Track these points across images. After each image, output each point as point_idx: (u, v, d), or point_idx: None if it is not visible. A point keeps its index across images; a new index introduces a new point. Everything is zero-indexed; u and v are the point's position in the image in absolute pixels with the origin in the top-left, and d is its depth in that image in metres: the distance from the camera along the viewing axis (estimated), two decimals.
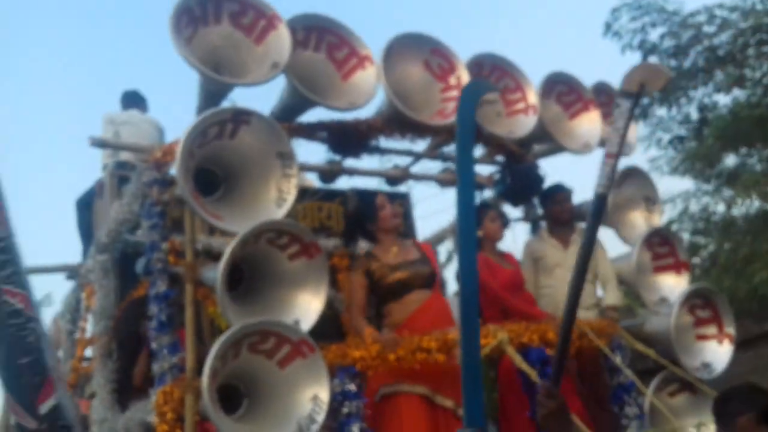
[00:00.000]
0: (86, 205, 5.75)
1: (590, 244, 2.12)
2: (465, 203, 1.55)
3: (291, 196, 3.51)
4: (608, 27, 10.02)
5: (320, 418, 3.28)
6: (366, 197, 5.80)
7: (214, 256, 4.58)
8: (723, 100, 10.87)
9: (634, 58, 10.25)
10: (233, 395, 3.46)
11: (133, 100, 6.14)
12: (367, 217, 4.24)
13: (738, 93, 10.36)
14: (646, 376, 4.59)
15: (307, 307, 3.52)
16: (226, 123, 3.45)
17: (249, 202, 3.53)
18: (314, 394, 3.31)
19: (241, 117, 3.46)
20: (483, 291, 4.23)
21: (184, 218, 3.84)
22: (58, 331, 5.64)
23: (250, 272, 3.63)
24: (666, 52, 10.19)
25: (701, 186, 11.66)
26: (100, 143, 4.55)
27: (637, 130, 8.60)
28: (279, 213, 3.47)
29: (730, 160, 12.22)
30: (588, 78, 5.12)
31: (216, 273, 3.48)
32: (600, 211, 2.11)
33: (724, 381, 4.41)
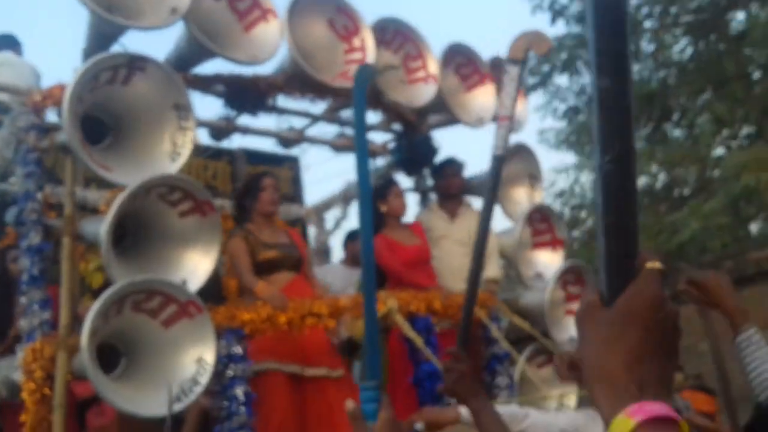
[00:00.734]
0: None
1: (490, 205, 2.19)
2: (363, 191, 1.56)
3: (186, 151, 3.37)
4: None
5: (204, 379, 3.21)
6: (254, 158, 5.71)
7: (89, 209, 4.36)
8: None
9: (544, 19, 10.48)
10: (110, 354, 3.33)
11: (7, 42, 5.67)
12: (248, 195, 4.20)
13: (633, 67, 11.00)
14: (514, 348, 4.82)
15: (196, 266, 3.42)
16: (120, 68, 3.25)
17: (140, 154, 3.36)
18: (199, 356, 3.23)
19: (137, 63, 3.27)
20: (386, 271, 4.43)
21: (59, 168, 3.63)
22: None
23: (136, 228, 3.46)
24: (573, 17, 10.44)
25: (585, 161, 12.23)
26: None
27: (529, 102, 8.91)
28: (173, 167, 3.33)
29: None
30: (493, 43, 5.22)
31: (98, 227, 3.32)
32: (498, 173, 2.17)
33: None
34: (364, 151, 1.60)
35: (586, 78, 11.57)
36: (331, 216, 6.19)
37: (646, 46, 11.30)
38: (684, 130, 12.02)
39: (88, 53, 3.72)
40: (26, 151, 3.75)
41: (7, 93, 4.50)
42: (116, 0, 3.64)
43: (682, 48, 11.54)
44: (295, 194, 6.27)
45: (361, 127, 1.69)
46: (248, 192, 4.20)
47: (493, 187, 2.23)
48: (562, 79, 12.27)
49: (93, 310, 2.99)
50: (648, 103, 10.47)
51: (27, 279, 3.59)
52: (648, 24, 11.04)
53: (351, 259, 5.49)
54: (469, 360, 1.99)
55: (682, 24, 11.08)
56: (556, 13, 10.85)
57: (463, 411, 2.32)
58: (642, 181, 10.65)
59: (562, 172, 13.04)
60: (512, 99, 2.17)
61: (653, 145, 11.46)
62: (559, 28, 11.35)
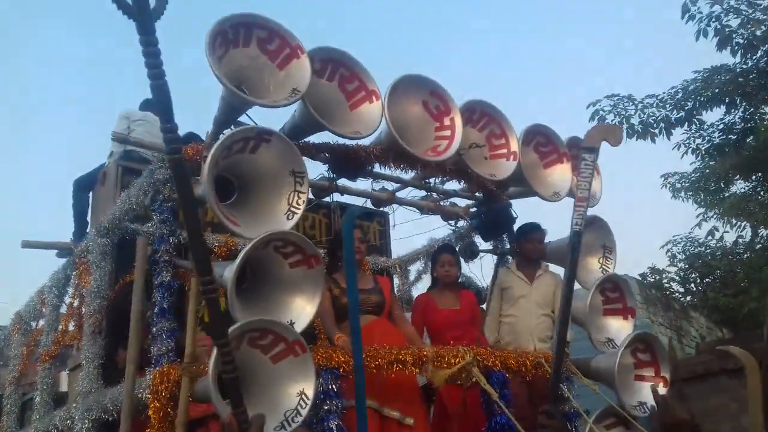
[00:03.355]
0: (85, 188, 6.05)
1: (573, 274, 2.51)
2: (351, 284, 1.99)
3: (300, 211, 3.88)
4: (686, 10, 10.12)
5: (305, 412, 3.61)
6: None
7: (208, 251, 4.99)
8: None
9: (708, 46, 10.06)
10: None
11: (150, 104, 6.48)
12: (338, 245, 4.74)
13: None
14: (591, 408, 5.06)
15: (302, 310, 3.89)
16: (250, 140, 3.81)
17: (262, 211, 3.86)
18: (301, 390, 3.63)
19: (264, 136, 3.83)
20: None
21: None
22: (42, 303, 5.92)
23: (254, 274, 3.97)
24: (741, 45, 9.86)
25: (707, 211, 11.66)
26: (121, 139, 4.86)
27: (670, 139, 8.71)
28: (288, 224, 3.83)
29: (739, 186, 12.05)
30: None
31: (223, 270, 3.86)
32: (577, 245, 2.52)
33: None
34: (351, 264, 1.99)
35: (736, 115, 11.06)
36: (414, 269, 6.75)
37: None
38: None
39: (219, 121, 4.30)
40: (162, 200, 4.38)
41: (147, 149, 5.21)
42: (246, 79, 4.26)
43: None
44: (383, 246, 6.87)
45: (350, 252, 2.08)
46: (338, 242, 4.73)
47: (573, 257, 2.50)
48: (709, 116, 11.70)
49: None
50: None
51: (157, 311, 4.14)
52: None
53: None
54: (561, 416, 2.24)
55: None
56: (724, 40, 10.21)
57: None
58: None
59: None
60: (588, 182, 2.52)
61: None
62: (726, 57, 10.68)
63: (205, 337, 4.30)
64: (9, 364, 6.65)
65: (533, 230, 5.48)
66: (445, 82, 4.91)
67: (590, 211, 5.50)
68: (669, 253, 14.88)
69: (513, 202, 5.92)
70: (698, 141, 12.10)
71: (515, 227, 5.83)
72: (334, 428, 3.79)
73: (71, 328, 5.41)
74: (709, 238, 13.30)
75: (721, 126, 11.86)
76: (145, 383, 3.91)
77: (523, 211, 5.95)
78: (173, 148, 1.59)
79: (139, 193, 4.61)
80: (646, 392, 5.15)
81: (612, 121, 11.49)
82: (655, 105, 11.60)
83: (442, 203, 5.92)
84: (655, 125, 11.54)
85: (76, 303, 5.41)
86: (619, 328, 5.34)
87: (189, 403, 3.89)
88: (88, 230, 5.67)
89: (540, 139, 5.46)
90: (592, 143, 2.60)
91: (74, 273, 5.52)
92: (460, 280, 6.16)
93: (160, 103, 1.62)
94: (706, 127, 11.93)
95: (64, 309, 5.76)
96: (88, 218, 6.13)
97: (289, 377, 3.67)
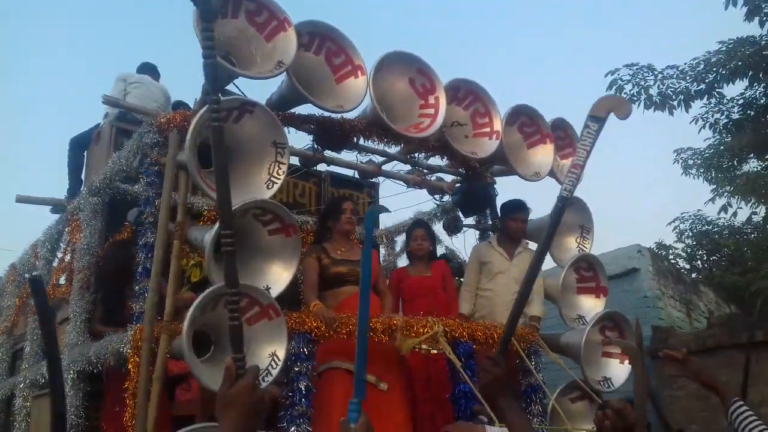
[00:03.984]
0: (80, 146, 6.19)
1: (551, 237, 2.43)
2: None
3: (280, 181, 4.02)
4: None
5: (275, 372, 3.79)
6: (338, 181, 6.45)
7: (192, 213, 5.14)
8: None
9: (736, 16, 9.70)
10: (202, 341, 3.94)
11: (147, 68, 6.60)
12: (330, 215, 4.87)
13: None
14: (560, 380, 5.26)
15: (278, 277, 4.05)
16: (234, 110, 3.91)
17: (242, 180, 3.96)
18: (273, 351, 3.81)
19: (247, 107, 3.93)
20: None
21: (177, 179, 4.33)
22: (35, 257, 6.10)
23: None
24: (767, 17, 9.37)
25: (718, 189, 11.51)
26: (112, 102, 4.98)
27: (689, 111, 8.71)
28: (268, 194, 3.96)
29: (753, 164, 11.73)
30: None
31: (203, 235, 4.03)
32: (561, 211, 2.41)
33: None
34: (368, 257, 2.16)
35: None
36: (400, 240, 6.95)
37: None
38: None
39: (206, 90, 4.41)
40: (150, 163, 4.51)
41: (137, 113, 5.33)
42: (234, 50, 4.37)
43: None
44: None
45: (369, 242, 2.22)
46: (330, 213, 4.89)
47: (554, 223, 2.41)
48: (730, 90, 11.24)
49: (194, 304, 3.66)
50: None
51: (141, 271, 4.27)
52: None
53: None
54: (505, 366, 2.14)
55: None
56: (754, 9, 9.86)
57: (490, 429, 2.56)
58: None
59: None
60: (588, 151, 2.39)
61: None
62: (754, 28, 10.27)
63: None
64: (2, 314, 6.86)
65: (519, 209, 5.59)
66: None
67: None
68: (676, 230, 14.87)
69: (497, 179, 6.05)
70: (717, 115, 11.75)
71: (499, 204, 5.95)
72: (303, 388, 3.97)
73: (62, 282, 5.58)
74: (719, 215, 13.12)
75: (741, 101, 11.51)
76: (126, 339, 4.08)
77: (507, 189, 6.05)
78: (216, 117, 1.83)
79: (128, 155, 4.74)
80: (610, 368, 5.33)
81: (630, 91, 11.26)
82: (675, 76, 11.24)
83: (427, 177, 6.05)
84: (674, 97, 11.23)
85: (67, 258, 5.57)
86: (591, 307, 5.50)
87: (171, 360, 4.08)
88: (81, 188, 5.82)
89: (524, 120, 5.55)
90: (599, 113, 2.45)
91: (66, 229, 5.68)
92: (442, 253, 6.34)
93: (208, 76, 1.89)
94: (725, 101, 11.56)
95: (56, 263, 5.94)
96: (83, 176, 6.28)
97: (262, 339, 3.84)
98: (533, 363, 5.02)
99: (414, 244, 5.47)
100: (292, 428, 3.84)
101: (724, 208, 12.57)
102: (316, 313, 4.24)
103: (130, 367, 3.91)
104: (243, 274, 3.98)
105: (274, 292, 3.99)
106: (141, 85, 6.25)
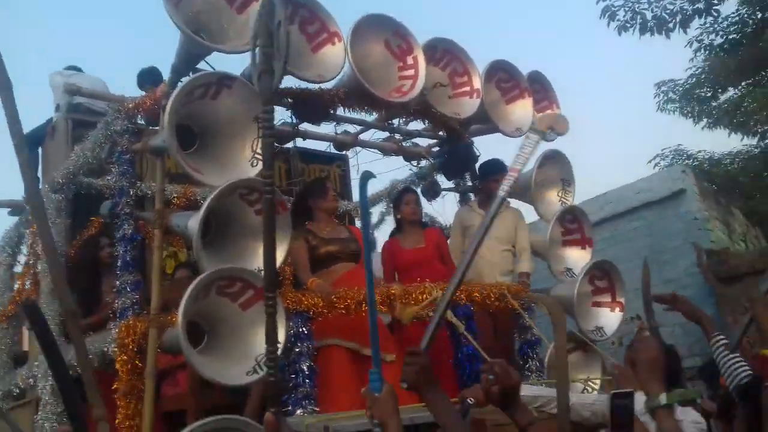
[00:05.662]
0: (33, 143, 5.84)
1: (486, 229, 2.60)
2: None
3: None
4: None
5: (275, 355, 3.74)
6: (307, 156, 6.30)
7: (166, 202, 4.96)
8: None
9: None
10: (194, 331, 3.84)
11: (76, 70, 6.31)
12: (313, 195, 4.75)
13: None
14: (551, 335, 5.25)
15: None
16: (211, 85, 3.75)
17: (225, 159, 3.83)
18: None
19: (225, 81, 3.76)
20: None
21: (141, 166, 4.15)
22: None
23: (219, 223, 3.98)
24: None
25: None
26: (74, 90, 4.75)
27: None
28: (252, 172, 3.81)
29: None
30: None
31: (186, 221, 3.88)
32: (497, 209, 2.59)
33: None
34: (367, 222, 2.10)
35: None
36: (375, 211, 6.81)
37: None
38: None
39: (176, 68, 4.22)
40: (120, 152, 4.32)
41: (101, 100, 5.09)
42: (204, 24, 4.17)
43: None
44: (343, 190, 6.89)
45: (366, 211, 2.20)
46: (314, 192, 4.76)
47: (492, 216, 2.59)
48: (727, 7, 10.95)
49: (187, 293, 3.53)
50: None
51: (121, 265, 4.13)
52: None
53: None
54: (427, 356, 2.23)
55: None
56: None
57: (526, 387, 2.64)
58: None
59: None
60: (525, 159, 2.63)
61: None
62: None
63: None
64: None
65: (498, 169, 5.53)
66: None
67: (550, 146, 5.60)
68: (658, 167, 14.96)
69: (474, 139, 5.97)
70: (712, 36, 11.54)
71: (477, 165, 5.89)
72: (306, 369, 3.90)
73: (28, 286, 5.32)
74: (698, 150, 13.02)
75: (737, 18, 11.30)
76: (110, 337, 3.93)
77: (486, 148, 5.96)
78: (268, 191, 1.81)
79: (94, 146, 4.51)
80: (602, 317, 5.37)
81: (624, 17, 10.97)
82: None
83: (404, 144, 5.93)
84: (669, 19, 10.89)
85: (31, 261, 5.27)
86: (578, 258, 5.51)
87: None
88: (39, 186, 5.53)
89: (502, 75, 5.47)
90: (541, 127, 2.75)
91: (28, 231, 5.40)
92: (423, 219, 6.26)
93: (267, 157, 1.89)
94: (720, 20, 11.31)
95: (19, 268, 5.66)
96: (39, 174, 5.96)
97: (260, 323, 3.71)
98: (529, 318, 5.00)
99: (407, 209, 5.34)
100: (299, 410, 3.77)
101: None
102: (315, 289, 4.15)
103: (118, 366, 3.76)
104: (233, 257, 3.91)
105: None
106: (79, 76, 5.95)
